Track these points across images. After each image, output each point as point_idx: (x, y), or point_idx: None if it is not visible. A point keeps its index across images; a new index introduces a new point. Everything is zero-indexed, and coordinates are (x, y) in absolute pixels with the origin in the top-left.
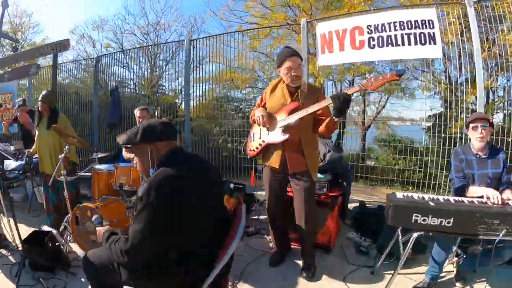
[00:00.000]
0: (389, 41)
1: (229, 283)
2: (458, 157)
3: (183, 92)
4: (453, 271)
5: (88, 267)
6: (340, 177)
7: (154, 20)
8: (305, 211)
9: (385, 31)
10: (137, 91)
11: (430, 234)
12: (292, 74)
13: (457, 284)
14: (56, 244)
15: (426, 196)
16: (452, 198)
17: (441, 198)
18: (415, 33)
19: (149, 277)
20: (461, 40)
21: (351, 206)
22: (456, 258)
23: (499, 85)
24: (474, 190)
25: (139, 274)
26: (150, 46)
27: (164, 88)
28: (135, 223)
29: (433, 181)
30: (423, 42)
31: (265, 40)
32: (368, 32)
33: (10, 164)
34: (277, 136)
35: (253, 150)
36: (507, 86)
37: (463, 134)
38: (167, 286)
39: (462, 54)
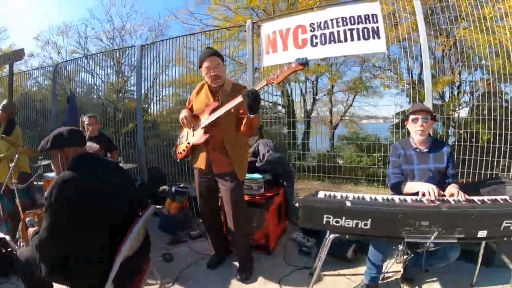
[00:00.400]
0: (332, 38)
1: (161, 286)
2: (395, 152)
3: (148, 97)
4: (400, 271)
5: (18, 265)
6: (281, 176)
7: (120, 24)
8: (231, 213)
9: (328, 28)
10: (100, 97)
11: (347, 236)
12: (211, 74)
13: (403, 285)
14: (9, 250)
15: (351, 196)
16: (389, 197)
17: (368, 197)
18: (358, 29)
19: (61, 273)
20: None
21: None
22: (405, 257)
23: (464, 80)
24: (411, 186)
25: (54, 270)
26: (112, 51)
27: (133, 93)
28: (43, 221)
29: None
30: (366, 37)
31: (232, 42)
32: (311, 30)
33: None
34: (199, 136)
35: (181, 153)
36: (473, 81)
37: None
38: (77, 282)
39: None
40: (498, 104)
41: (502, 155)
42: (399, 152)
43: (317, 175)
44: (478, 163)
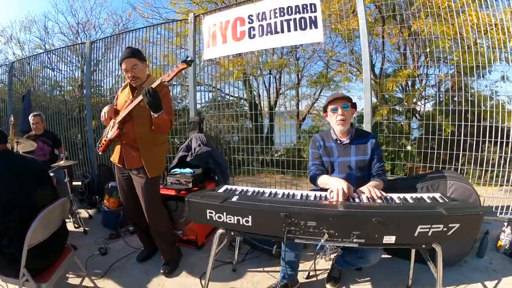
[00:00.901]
0: (269, 30)
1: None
2: (314, 144)
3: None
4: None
5: None
6: (213, 171)
7: (85, 18)
8: (145, 208)
9: (265, 19)
10: (63, 94)
11: (232, 233)
12: (128, 75)
13: (327, 285)
14: None
15: (251, 190)
16: (303, 193)
17: (281, 193)
18: (295, 19)
19: None
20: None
21: None
22: (334, 255)
23: (431, 74)
24: (324, 181)
25: None
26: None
27: (101, 88)
28: None
29: None
30: (303, 27)
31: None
32: (249, 22)
33: None
34: (113, 131)
35: (101, 146)
36: (434, 74)
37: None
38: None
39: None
40: (463, 97)
41: (467, 149)
42: (318, 144)
43: (280, 170)
44: (441, 156)
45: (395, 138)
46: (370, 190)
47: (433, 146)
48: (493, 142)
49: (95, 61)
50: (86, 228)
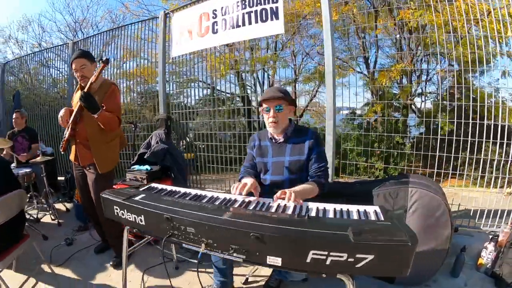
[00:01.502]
0: (231, 23)
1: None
2: (250, 144)
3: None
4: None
5: None
6: (170, 168)
7: (82, 17)
8: (95, 202)
9: (228, 13)
10: (59, 92)
11: (134, 230)
12: (77, 75)
13: None
14: None
15: (180, 191)
16: (220, 196)
17: (205, 194)
18: (256, 11)
19: None
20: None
21: None
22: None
23: (430, 70)
24: (243, 182)
25: None
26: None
27: None
28: None
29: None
30: (264, 18)
31: None
32: (213, 17)
33: None
34: (68, 131)
35: (62, 146)
36: (439, 71)
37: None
38: None
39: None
40: (463, 95)
41: (467, 149)
42: (253, 143)
43: None
44: (437, 156)
45: (389, 136)
46: (287, 193)
47: (432, 145)
48: (492, 142)
49: None
50: (60, 220)
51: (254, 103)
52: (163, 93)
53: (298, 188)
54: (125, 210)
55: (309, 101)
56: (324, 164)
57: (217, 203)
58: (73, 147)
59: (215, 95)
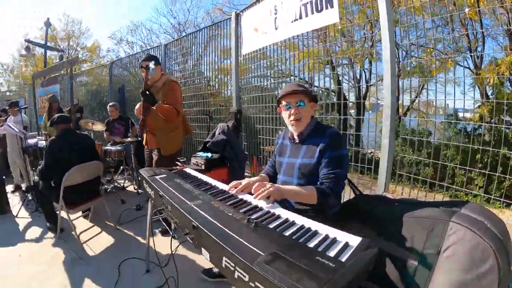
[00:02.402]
0: (289, 17)
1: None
2: (276, 141)
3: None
4: None
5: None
6: (228, 159)
7: (184, 19)
8: None
9: (287, 8)
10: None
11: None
12: (143, 75)
13: None
14: None
15: (205, 180)
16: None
17: (214, 184)
18: (312, 1)
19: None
20: None
21: None
22: None
23: None
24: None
25: (44, 188)
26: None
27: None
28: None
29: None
30: (319, 8)
31: None
32: (274, 13)
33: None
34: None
35: (138, 132)
36: None
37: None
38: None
39: None
40: None
41: None
42: (278, 141)
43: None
44: None
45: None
46: (260, 191)
47: None
48: None
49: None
50: (140, 191)
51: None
52: (236, 89)
53: (286, 187)
54: (147, 185)
55: (415, 99)
56: (337, 171)
57: (209, 192)
58: (145, 134)
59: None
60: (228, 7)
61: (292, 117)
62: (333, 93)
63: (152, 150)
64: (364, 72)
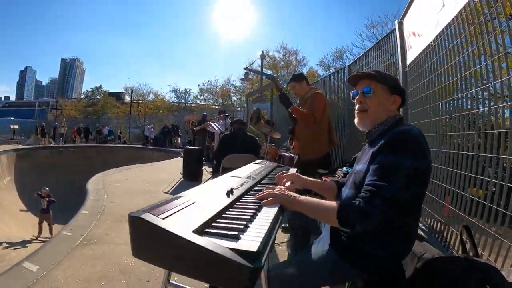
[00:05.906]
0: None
1: None
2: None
3: None
4: None
5: None
6: None
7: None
8: None
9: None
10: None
11: None
12: (292, 92)
13: None
14: None
15: None
16: None
17: None
18: None
19: None
20: None
21: None
22: None
23: None
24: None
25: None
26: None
27: None
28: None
29: None
30: None
31: None
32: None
33: None
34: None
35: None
36: None
37: None
38: None
39: None
40: None
41: None
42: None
43: None
44: None
45: None
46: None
47: None
48: None
49: None
50: None
51: None
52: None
53: (302, 197)
54: None
55: None
56: (381, 184)
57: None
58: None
59: None
60: None
61: (356, 107)
62: None
63: (297, 154)
64: None
